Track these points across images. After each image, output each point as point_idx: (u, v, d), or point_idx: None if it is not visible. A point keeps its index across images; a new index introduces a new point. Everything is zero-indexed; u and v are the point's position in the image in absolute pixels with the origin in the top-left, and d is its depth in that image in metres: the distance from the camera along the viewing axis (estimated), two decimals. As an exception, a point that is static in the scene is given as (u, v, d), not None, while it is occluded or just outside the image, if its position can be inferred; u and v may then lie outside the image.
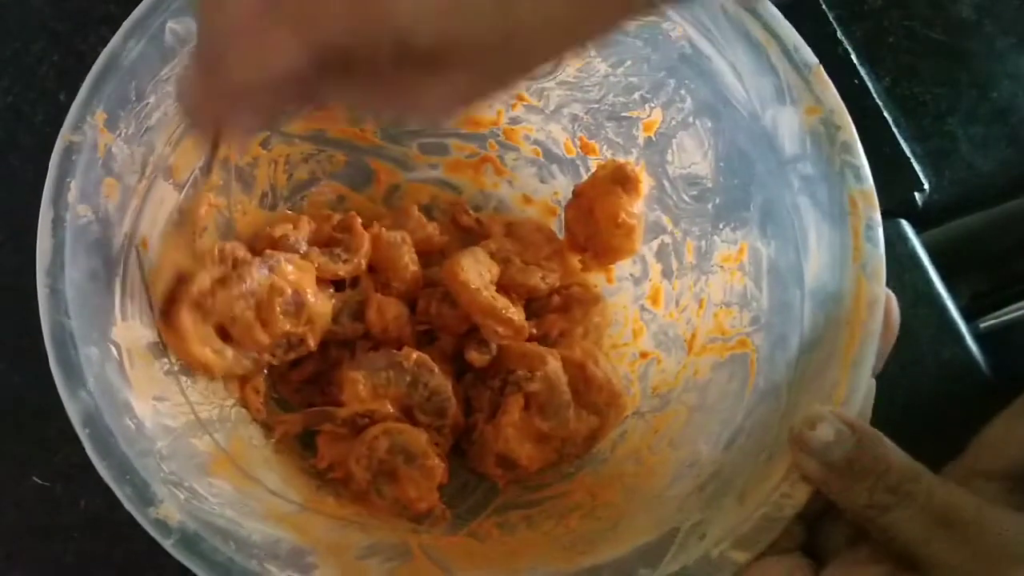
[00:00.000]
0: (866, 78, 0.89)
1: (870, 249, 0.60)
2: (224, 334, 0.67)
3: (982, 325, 0.84)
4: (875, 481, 0.53)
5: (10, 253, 0.79)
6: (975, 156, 0.88)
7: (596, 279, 0.79)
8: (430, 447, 0.68)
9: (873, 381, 0.58)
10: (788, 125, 0.63)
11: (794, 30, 0.64)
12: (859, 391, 0.57)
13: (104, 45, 0.62)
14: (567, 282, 0.78)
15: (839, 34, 0.90)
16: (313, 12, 0.44)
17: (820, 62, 0.64)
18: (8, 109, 0.84)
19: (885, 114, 0.88)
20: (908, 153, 0.87)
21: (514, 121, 0.80)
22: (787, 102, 0.63)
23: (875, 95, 0.88)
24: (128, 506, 0.55)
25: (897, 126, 0.88)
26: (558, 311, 0.77)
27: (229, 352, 0.67)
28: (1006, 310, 0.85)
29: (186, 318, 0.64)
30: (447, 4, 0.43)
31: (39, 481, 0.75)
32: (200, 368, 0.66)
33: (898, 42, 0.91)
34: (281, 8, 0.45)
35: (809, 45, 0.65)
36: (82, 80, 0.61)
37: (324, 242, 0.75)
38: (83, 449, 0.55)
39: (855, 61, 0.89)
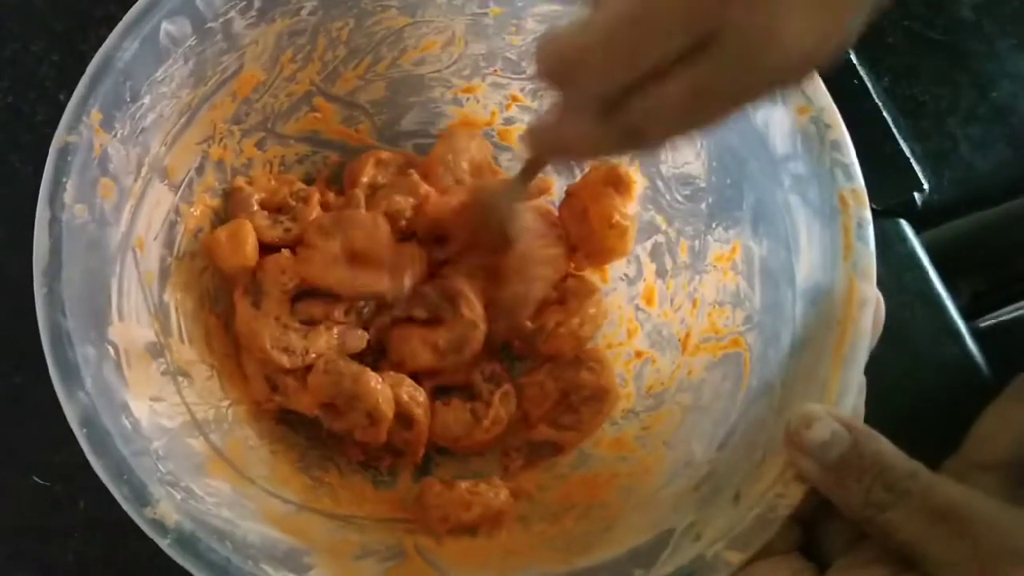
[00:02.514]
0: (865, 78, 0.89)
1: (861, 247, 0.59)
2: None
3: (981, 325, 0.84)
4: (872, 480, 0.53)
5: (10, 252, 0.79)
6: (974, 156, 0.87)
7: (595, 284, 0.79)
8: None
9: (863, 378, 0.58)
10: (779, 124, 0.63)
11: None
12: (851, 389, 0.57)
13: (105, 45, 0.62)
14: (563, 274, 0.78)
15: (838, 34, 0.90)
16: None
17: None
18: (8, 109, 0.84)
19: (884, 114, 0.88)
20: (907, 153, 0.87)
21: (508, 122, 0.80)
22: (778, 102, 0.63)
23: (874, 95, 0.88)
24: (125, 506, 0.55)
25: (896, 126, 0.87)
26: (554, 303, 0.77)
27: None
28: (1005, 310, 0.85)
29: None
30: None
31: (39, 481, 0.75)
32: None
33: (898, 42, 0.91)
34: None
35: (808, 45, 0.65)
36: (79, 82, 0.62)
37: (276, 206, 0.76)
38: (83, 449, 0.56)
39: (855, 61, 0.89)
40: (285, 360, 0.70)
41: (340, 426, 0.70)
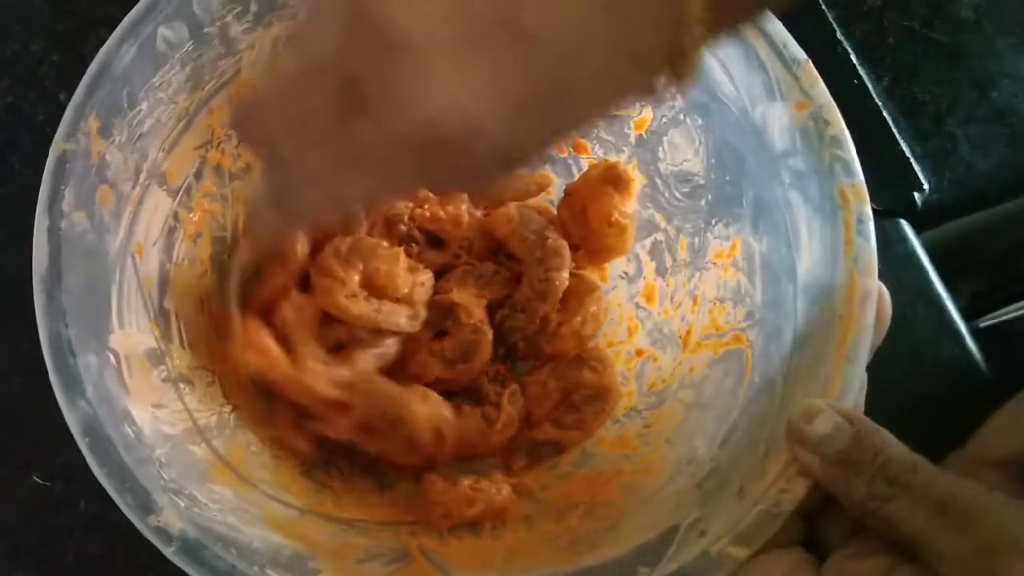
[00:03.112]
0: (866, 78, 0.89)
1: (861, 243, 0.60)
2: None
3: (981, 325, 0.84)
4: (874, 473, 0.53)
5: (10, 253, 0.79)
6: (974, 156, 0.87)
7: (595, 282, 0.79)
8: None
9: (865, 374, 0.58)
10: (778, 121, 0.64)
11: (783, 27, 0.65)
12: (853, 385, 0.57)
13: (105, 46, 0.62)
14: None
15: (839, 34, 0.90)
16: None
17: (819, 62, 0.64)
18: (8, 109, 0.84)
19: (885, 114, 0.88)
20: (908, 153, 0.87)
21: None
22: (777, 98, 0.64)
23: (875, 95, 0.88)
24: (129, 514, 0.55)
25: (897, 126, 0.88)
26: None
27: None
28: (1006, 310, 0.85)
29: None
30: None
31: (39, 481, 0.75)
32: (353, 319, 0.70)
33: (898, 42, 0.91)
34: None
35: (808, 45, 0.65)
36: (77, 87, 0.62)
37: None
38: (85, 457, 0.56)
39: (855, 61, 0.89)
40: (336, 393, 0.70)
41: (376, 448, 0.70)
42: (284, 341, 0.69)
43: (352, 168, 0.49)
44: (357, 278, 0.70)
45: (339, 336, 0.72)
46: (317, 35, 0.47)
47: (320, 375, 0.69)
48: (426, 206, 0.76)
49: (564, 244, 0.75)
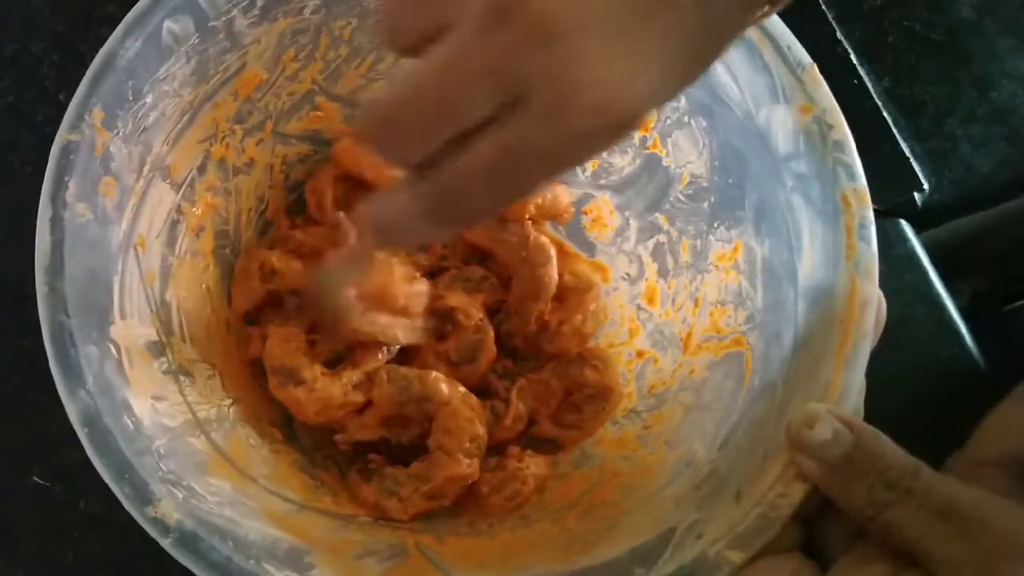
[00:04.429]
0: (865, 78, 0.89)
1: (863, 247, 0.60)
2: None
3: (981, 325, 0.84)
4: (874, 479, 0.53)
5: (10, 253, 0.79)
6: (974, 156, 0.87)
7: (593, 279, 0.79)
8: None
9: (863, 379, 0.58)
10: (782, 124, 0.64)
11: (788, 29, 0.65)
12: (852, 390, 0.57)
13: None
14: (559, 271, 0.78)
15: (838, 34, 0.89)
16: None
17: (819, 62, 0.64)
18: (8, 109, 0.84)
19: (884, 114, 0.88)
20: (907, 153, 0.87)
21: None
22: (780, 101, 0.63)
23: (874, 95, 0.88)
24: (127, 505, 0.55)
25: (896, 126, 0.87)
26: (554, 301, 0.77)
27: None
28: (1005, 310, 0.85)
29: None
30: None
31: (39, 481, 0.75)
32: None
33: (898, 42, 0.91)
34: None
35: (808, 45, 0.65)
36: (82, 80, 0.62)
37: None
38: (83, 449, 0.56)
39: (854, 61, 0.89)
40: (359, 397, 0.70)
41: (407, 437, 0.71)
42: (280, 373, 0.70)
43: (514, 167, 0.48)
44: (352, 292, 0.70)
45: (335, 349, 0.72)
46: (461, 35, 0.46)
47: (333, 386, 0.69)
48: None
49: (547, 240, 0.76)
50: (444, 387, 0.70)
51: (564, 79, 0.44)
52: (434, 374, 0.71)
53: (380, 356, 0.72)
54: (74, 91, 0.61)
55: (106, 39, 0.62)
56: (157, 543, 0.55)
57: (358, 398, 0.70)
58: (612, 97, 0.45)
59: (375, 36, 0.71)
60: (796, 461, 0.55)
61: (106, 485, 0.55)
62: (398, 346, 0.73)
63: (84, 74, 0.62)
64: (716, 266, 0.71)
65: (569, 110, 0.45)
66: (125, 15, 0.63)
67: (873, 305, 0.59)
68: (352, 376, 0.70)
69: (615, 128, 0.47)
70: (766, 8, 0.49)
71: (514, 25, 0.44)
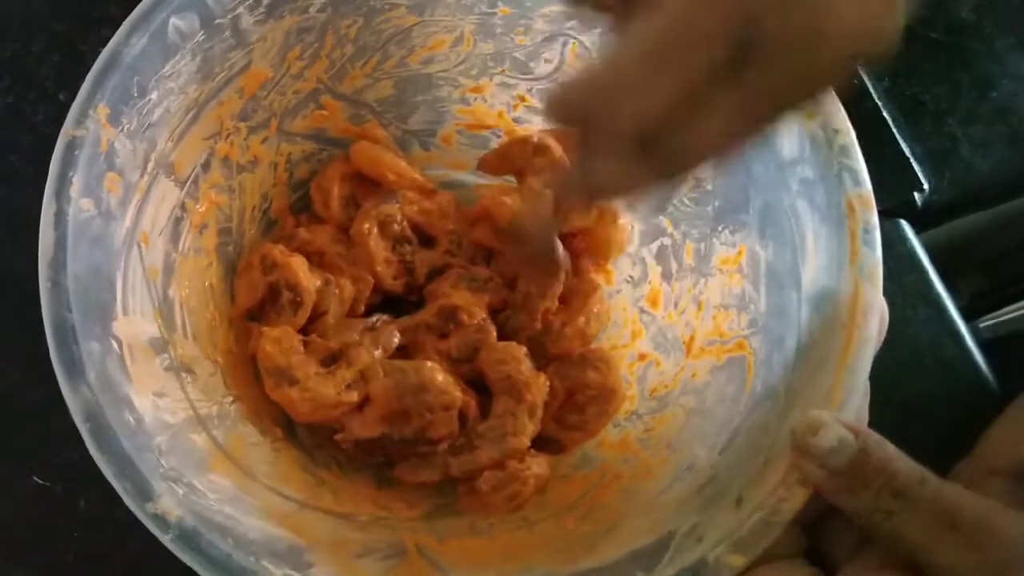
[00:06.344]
0: (866, 78, 0.89)
1: (867, 252, 0.59)
2: None
3: (981, 325, 0.84)
4: (880, 486, 0.52)
5: (11, 252, 0.79)
6: (974, 156, 0.88)
7: (596, 281, 0.79)
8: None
9: (868, 383, 0.58)
10: (787, 129, 0.63)
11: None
12: (855, 395, 0.57)
13: (104, 45, 0.62)
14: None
15: (839, 34, 0.89)
16: None
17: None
18: (8, 109, 0.84)
19: (885, 114, 0.88)
20: (907, 153, 0.87)
21: (516, 122, 0.80)
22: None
23: (874, 95, 0.88)
24: (127, 501, 0.55)
25: (896, 126, 0.88)
26: (558, 302, 0.77)
27: None
28: (1006, 310, 0.85)
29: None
30: None
31: (39, 481, 0.75)
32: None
33: (898, 42, 0.91)
34: None
35: (808, 45, 0.65)
36: (82, 80, 0.61)
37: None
38: (83, 449, 0.55)
39: (855, 61, 0.89)
40: (353, 396, 0.70)
41: (410, 431, 0.70)
42: (274, 373, 0.70)
43: (746, 121, 0.48)
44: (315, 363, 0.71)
45: (329, 349, 0.72)
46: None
47: (327, 385, 0.69)
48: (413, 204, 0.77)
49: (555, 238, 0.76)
50: (439, 376, 0.70)
51: (804, 24, 0.44)
52: (429, 364, 0.71)
53: (376, 354, 0.72)
54: (74, 91, 0.61)
55: (106, 39, 0.62)
56: (157, 543, 0.55)
57: (352, 397, 0.69)
58: (856, 39, 0.44)
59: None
60: (800, 467, 0.55)
61: (106, 485, 0.55)
62: (393, 326, 0.75)
63: (84, 74, 0.62)
64: (720, 270, 0.71)
65: (810, 53, 0.44)
66: (125, 15, 0.63)
67: (876, 310, 0.59)
68: (346, 375, 0.70)
69: (850, 70, 0.47)
70: None
71: None
